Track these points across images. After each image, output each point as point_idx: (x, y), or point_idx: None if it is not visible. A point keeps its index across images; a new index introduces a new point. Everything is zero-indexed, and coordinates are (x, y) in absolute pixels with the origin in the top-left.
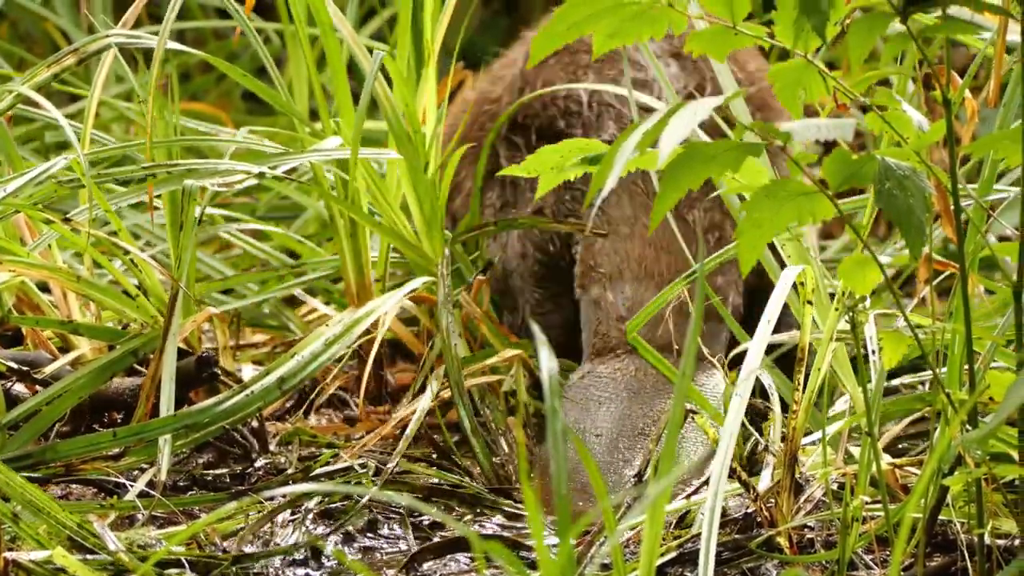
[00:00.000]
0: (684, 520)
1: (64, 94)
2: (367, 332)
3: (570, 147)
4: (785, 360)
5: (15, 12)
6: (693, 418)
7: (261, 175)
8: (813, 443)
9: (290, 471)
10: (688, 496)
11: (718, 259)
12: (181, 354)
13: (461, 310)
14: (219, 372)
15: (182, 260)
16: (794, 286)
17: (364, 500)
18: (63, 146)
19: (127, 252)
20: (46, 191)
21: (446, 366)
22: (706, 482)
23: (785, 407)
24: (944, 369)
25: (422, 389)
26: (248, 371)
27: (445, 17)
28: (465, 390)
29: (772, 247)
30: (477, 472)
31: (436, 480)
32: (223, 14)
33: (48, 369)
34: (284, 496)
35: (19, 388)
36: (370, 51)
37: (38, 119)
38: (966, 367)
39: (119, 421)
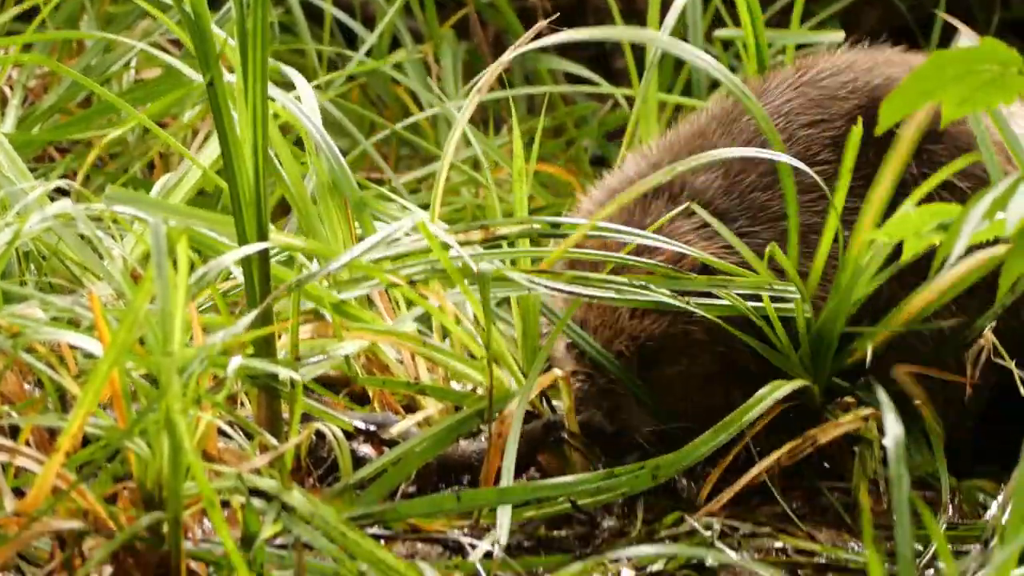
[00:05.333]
0: None
1: (415, 158)
2: None
3: (930, 212)
4: None
5: (367, 76)
6: None
7: None
8: None
9: (634, 533)
10: None
11: None
12: (528, 417)
13: None
14: (566, 436)
15: (527, 331)
16: None
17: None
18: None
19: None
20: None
21: None
22: None
23: None
24: None
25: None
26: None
27: None
28: None
29: None
30: (822, 536)
31: (781, 545)
32: (572, 79)
33: (395, 429)
34: (629, 558)
35: (365, 449)
36: None
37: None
38: None
39: (464, 483)
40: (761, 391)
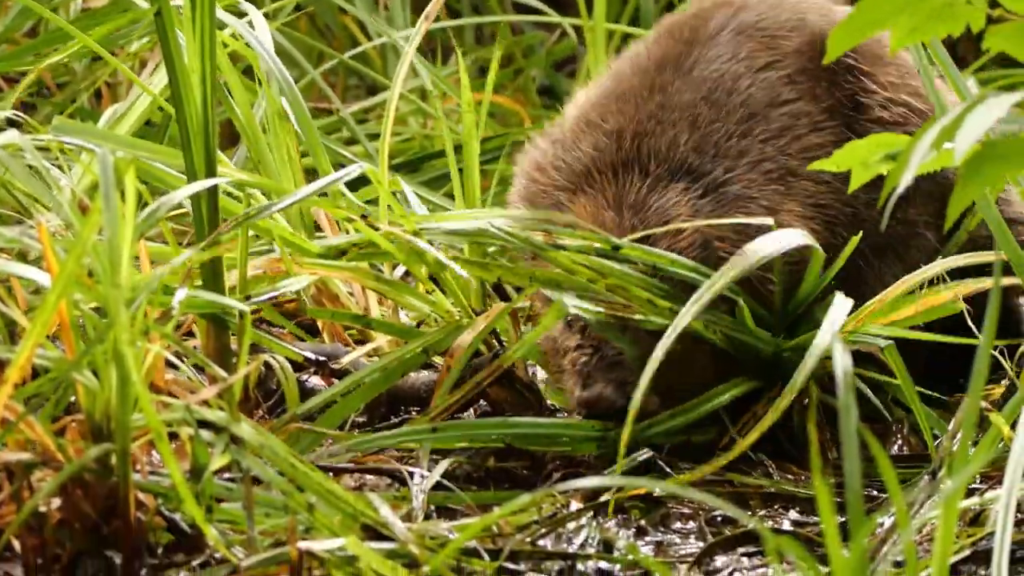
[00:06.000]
0: (978, 519)
1: (361, 87)
2: None
3: (877, 142)
4: None
5: (314, 5)
6: (988, 415)
7: None
8: None
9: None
10: (982, 494)
11: None
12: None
13: None
14: (514, 370)
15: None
16: None
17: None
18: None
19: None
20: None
21: None
22: (1000, 480)
23: None
24: None
25: None
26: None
27: None
28: None
29: None
30: (773, 469)
31: (730, 478)
32: (520, 8)
33: (345, 360)
34: (577, 490)
35: (315, 380)
36: None
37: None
38: None
39: (413, 414)
40: (725, 385)
